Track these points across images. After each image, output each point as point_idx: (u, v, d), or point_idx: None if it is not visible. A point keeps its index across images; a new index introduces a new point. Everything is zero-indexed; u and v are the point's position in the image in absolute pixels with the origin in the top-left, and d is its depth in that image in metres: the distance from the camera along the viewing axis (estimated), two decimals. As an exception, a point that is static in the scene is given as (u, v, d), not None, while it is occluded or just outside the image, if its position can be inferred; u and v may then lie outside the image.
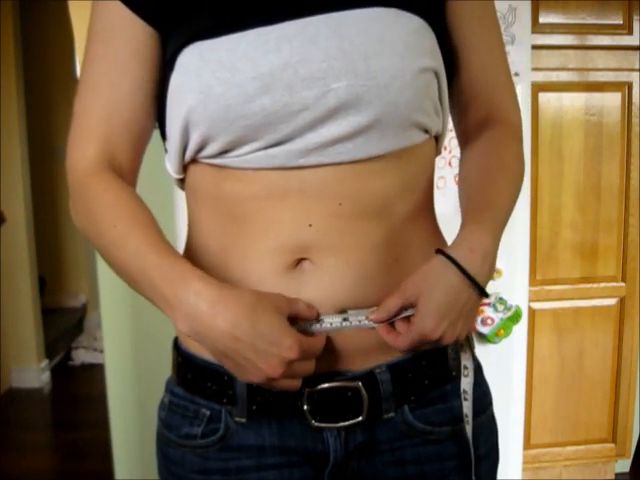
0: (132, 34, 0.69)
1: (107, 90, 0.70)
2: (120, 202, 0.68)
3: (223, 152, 0.67)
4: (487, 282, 0.67)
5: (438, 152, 0.77)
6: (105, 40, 0.70)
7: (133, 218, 0.67)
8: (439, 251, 0.66)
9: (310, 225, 0.66)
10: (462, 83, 0.77)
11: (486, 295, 0.66)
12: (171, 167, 0.73)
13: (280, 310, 0.62)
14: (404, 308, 0.65)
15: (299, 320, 0.65)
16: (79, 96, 0.72)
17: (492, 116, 0.77)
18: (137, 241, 0.65)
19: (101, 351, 1.89)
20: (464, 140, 0.80)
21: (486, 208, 0.69)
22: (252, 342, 0.59)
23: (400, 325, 0.66)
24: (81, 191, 0.70)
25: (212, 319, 0.60)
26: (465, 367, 0.73)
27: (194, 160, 0.70)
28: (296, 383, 0.63)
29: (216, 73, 0.63)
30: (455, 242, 0.67)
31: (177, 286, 0.61)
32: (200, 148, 0.68)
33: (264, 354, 0.60)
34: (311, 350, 0.63)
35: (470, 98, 0.77)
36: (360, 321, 0.67)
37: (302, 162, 0.65)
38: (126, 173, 0.72)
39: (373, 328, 0.67)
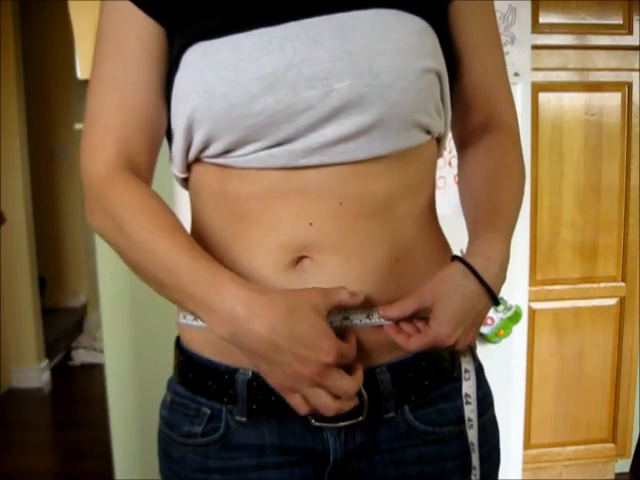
0: (142, 33, 0.69)
1: (122, 89, 0.69)
2: (144, 204, 0.67)
3: (226, 152, 0.67)
4: (500, 290, 0.67)
5: (440, 154, 0.77)
6: (116, 39, 0.70)
7: (160, 220, 0.66)
8: (457, 258, 0.66)
9: (311, 224, 0.67)
10: (463, 86, 0.77)
11: (498, 303, 0.66)
12: (175, 166, 0.73)
13: (317, 309, 0.61)
14: (418, 312, 0.65)
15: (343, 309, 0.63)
16: (93, 95, 0.71)
17: (492, 120, 0.77)
18: (167, 244, 0.63)
19: (101, 351, 1.88)
20: (463, 142, 0.80)
21: (498, 214, 0.70)
22: (290, 346, 0.59)
23: (406, 326, 0.66)
24: (101, 194, 0.68)
25: (249, 323, 0.59)
26: (466, 370, 0.73)
27: (198, 159, 0.70)
28: (336, 405, 0.61)
29: (220, 73, 0.64)
30: (472, 250, 0.67)
31: (212, 289, 0.61)
32: (204, 147, 0.68)
33: (302, 358, 0.59)
34: (347, 354, 0.62)
35: (470, 101, 0.78)
36: (361, 320, 0.67)
37: (304, 162, 0.65)
38: (144, 173, 0.71)
39: (378, 327, 0.67)
